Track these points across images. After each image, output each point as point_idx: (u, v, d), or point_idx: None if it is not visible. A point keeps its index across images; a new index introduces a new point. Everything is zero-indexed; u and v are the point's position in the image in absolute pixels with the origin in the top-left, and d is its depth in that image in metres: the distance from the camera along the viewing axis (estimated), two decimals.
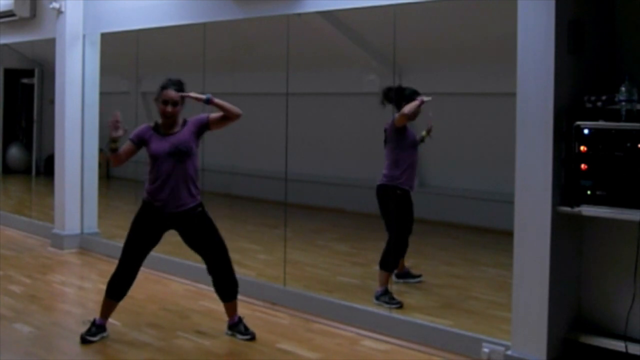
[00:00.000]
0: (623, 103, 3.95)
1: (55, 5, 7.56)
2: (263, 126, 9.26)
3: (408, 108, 5.49)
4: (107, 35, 7.63)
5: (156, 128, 4.81)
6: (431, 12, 6.02)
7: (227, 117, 4.82)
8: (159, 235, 4.87)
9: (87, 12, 7.63)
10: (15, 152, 12.20)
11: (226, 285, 4.93)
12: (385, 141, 5.69)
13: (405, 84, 6.83)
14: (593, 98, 4.11)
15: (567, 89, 4.16)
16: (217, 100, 4.80)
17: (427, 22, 6.40)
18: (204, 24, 6.64)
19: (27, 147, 11.87)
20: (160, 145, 4.75)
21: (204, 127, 4.84)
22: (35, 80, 11.36)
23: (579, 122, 4.08)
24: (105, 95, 7.97)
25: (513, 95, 4.26)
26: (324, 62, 8.17)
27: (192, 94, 4.83)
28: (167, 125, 4.79)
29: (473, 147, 7.17)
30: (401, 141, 5.63)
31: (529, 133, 4.21)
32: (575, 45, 4.18)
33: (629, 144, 3.92)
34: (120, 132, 4.68)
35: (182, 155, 4.75)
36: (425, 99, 5.54)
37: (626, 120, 3.94)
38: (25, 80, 11.77)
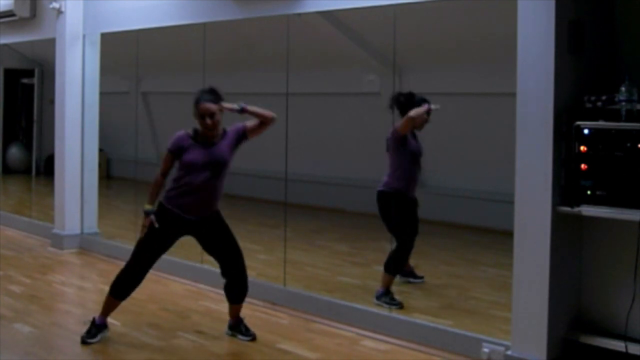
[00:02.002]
0: (623, 103, 3.95)
1: (55, 5, 7.56)
2: None
3: (414, 112, 5.40)
4: (107, 35, 7.63)
5: (195, 137, 4.70)
6: (431, 12, 6.02)
7: (263, 123, 4.77)
8: (173, 241, 4.84)
9: (87, 12, 7.63)
10: (15, 152, 12.20)
11: (238, 289, 4.90)
12: (387, 148, 5.65)
13: (405, 84, 6.82)
14: (593, 98, 4.11)
15: (567, 89, 4.16)
16: (250, 108, 4.74)
17: (427, 22, 6.40)
18: (204, 24, 6.64)
19: (27, 147, 11.87)
20: (197, 156, 4.64)
21: (241, 137, 4.78)
22: (35, 80, 11.36)
23: (579, 122, 4.08)
24: (105, 95, 7.97)
25: (513, 95, 4.26)
26: (324, 62, 8.17)
27: (225, 105, 4.70)
28: (207, 136, 4.68)
29: (473, 147, 7.16)
30: (403, 149, 5.56)
31: (529, 133, 4.21)
32: (575, 45, 4.18)
33: (629, 144, 3.92)
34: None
35: (219, 168, 4.69)
36: (433, 106, 5.48)
37: (626, 120, 3.94)
38: (25, 80, 11.77)
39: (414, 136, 5.64)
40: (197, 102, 4.65)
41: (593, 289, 4.34)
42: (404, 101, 5.58)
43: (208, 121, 4.61)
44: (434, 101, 5.65)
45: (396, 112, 5.66)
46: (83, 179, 7.73)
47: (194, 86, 7.52)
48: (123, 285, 4.79)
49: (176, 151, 4.68)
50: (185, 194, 4.67)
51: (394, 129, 5.55)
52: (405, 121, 5.44)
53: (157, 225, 4.64)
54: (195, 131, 4.70)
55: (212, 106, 4.62)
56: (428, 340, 4.78)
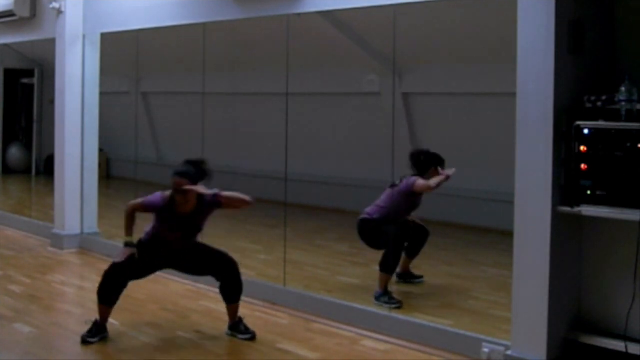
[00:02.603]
0: (623, 103, 3.95)
1: (55, 5, 7.56)
2: (263, 126, 9.28)
3: (435, 182, 5.46)
4: (107, 35, 7.62)
5: (171, 203, 4.68)
6: (431, 12, 6.02)
7: (238, 206, 4.82)
8: (152, 272, 4.97)
9: (87, 12, 7.63)
10: (15, 152, 12.21)
11: (233, 289, 4.93)
12: (391, 186, 5.68)
13: (405, 84, 6.85)
14: (593, 98, 4.11)
15: (567, 89, 4.16)
16: (224, 195, 4.69)
17: (427, 22, 6.40)
18: (204, 24, 6.64)
19: (27, 147, 11.88)
20: (170, 225, 4.74)
21: (216, 207, 4.78)
22: (35, 80, 11.38)
23: (579, 122, 4.08)
24: (105, 95, 7.97)
25: (513, 95, 4.26)
26: (324, 62, 8.17)
27: (199, 189, 4.63)
28: (181, 205, 4.68)
29: (473, 147, 7.17)
30: (406, 200, 5.64)
31: (529, 133, 4.21)
32: (575, 45, 4.18)
33: (629, 144, 3.92)
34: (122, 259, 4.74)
35: (192, 233, 4.84)
36: (451, 173, 5.51)
37: (626, 120, 3.94)
38: (25, 80, 11.79)
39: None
40: (173, 174, 4.64)
41: (593, 289, 4.33)
42: (424, 160, 5.65)
43: (178, 197, 4.63)
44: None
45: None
46: (83, 179, 7.73)
47: (194, 86, 7.58)
48: (106, 294, 4.81)
49: (148, 209, 4.78)
50: (160, 245, 4.83)
51: (411, 184, 5.55)
52: (425, 187, 5.52)
53: (136, 257, 4.75)
54: (172, 197, 4.69)
55: (183, 182, 4.58)
56: (428, 340, 4.77)
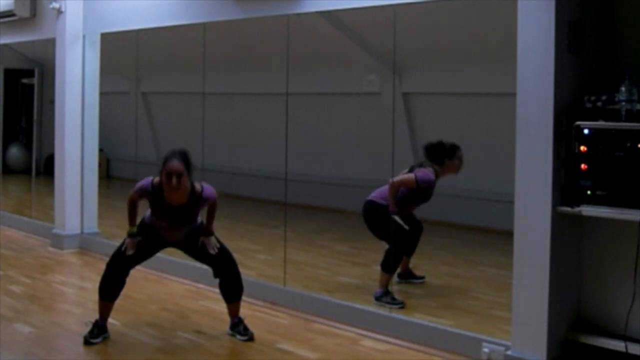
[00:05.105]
0: (623, 103, 3.95)
1: (55, 5, 7.56)
2: (263, 126, 9.28)
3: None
4: (107, 35, 7.63)
5: (159, 191, 4.60)
6: (431, 12, 6.02)
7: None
8: (155, 251, 4.97)
9: (87, 12, 7.63)
10: (15, 152, 12.20)
11: (232, 288, 4.93)
12: (411, 171, 5.60)
13: (405, 84, 6.84)
14: (593, 98, 4.11)
15: (567, 89, 4.16)
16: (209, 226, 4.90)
17: (427, 22, 6.40)
18: (204, 24, 6.64)
19: (27, 147, 11.86)
20: (161, 212, 4.71)
21: (206, 204, 4.82)
22: (35, 80, 11.35)
23: (579, 122, 4.08)
24: (105, 95, 7.97)
25: (513, 95, 4.27)
26: (324, 62, 8.17)
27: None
28: (171, 196, 4.59)
29: (473, 147, 7.16)
30: (417, 194, 5.58)
31: (529, 133, 4.21)
32: (575, 45, 4.18)
33: (629, 144, 3.92)
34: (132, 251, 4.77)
35: (181, 226, 4.80)
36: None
37: (626, 120, 3.94)
38: (25, 80, 11.77)
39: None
40: (165, 160, 4.52)
41: (593, 289, 4.34)
42: (435, 152, 5.62)
43: (174, 182, 4.46)
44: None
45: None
46: (83, 179, 7.74)
47: (194, 86, 7.58)
48: (108, 288, 4.83)
49: (143, 196, 4.74)
50: (158, 227, 4.81)
51: (418, 176, 5.50)
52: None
53: (142, 245, 4.77)
54: (160, 183, 4.59)
55: (180, 168, 4.48)
56: (428, 340, 4.78)
